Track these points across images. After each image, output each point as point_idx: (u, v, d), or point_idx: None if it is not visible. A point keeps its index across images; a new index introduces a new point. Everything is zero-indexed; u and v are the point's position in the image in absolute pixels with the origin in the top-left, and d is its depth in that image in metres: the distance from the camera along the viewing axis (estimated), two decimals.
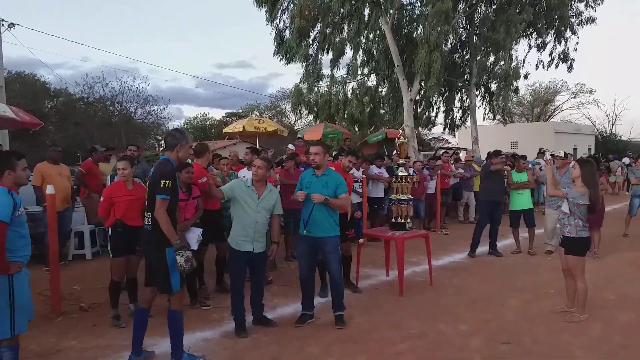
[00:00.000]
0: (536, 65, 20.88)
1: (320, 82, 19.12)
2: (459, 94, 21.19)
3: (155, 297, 3.98)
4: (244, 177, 5.70)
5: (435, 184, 10.72)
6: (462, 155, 15.99)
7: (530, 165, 9.75)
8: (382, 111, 20.78)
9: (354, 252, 6.18)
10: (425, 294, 5.94)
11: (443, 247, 8.61)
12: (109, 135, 23.63)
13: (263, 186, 4.68)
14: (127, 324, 4.65)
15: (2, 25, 13.15)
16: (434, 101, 20.62)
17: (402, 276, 5.84)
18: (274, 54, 17.79)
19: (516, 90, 20.79)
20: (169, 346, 3.91)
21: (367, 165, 9.37)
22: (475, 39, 18.89)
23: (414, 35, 17.77)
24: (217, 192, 4.75)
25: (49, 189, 5.43)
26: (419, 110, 20.36)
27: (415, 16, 18.15)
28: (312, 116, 21.94)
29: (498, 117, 27.67)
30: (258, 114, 33.59)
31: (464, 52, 20.15)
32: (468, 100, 20.39)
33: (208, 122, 40.58)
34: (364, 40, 18.38)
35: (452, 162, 12.29)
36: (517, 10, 16.90)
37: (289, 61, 17.62)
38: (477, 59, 19.13)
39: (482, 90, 20.91)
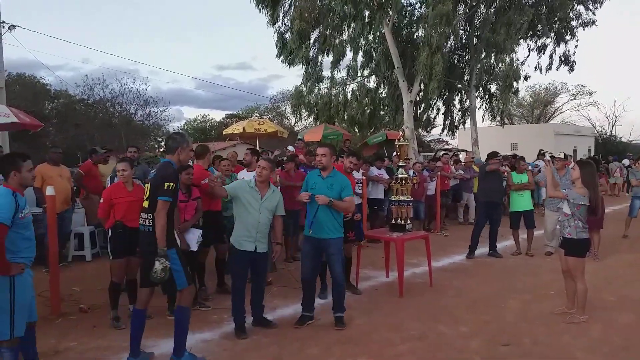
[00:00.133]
0: (535, 67, 21.07)
1: (321, 84, 19.18)
2: (459, 95, 21.22)
3: (151, 298, 3.97)
4: (243, 178, 5.72)
5: (435, 186, 10.72)
6: (462, 156, 15.98)
7: (529, 167, 9.77)
8: (382, 112, 20.81)
9: (353, 253, 6.18)
10: (425, 295, 5.94)
11: (443, 248, 8.61)
12: (109, 136, 23.60)
13: (266, 187, 4.69)
14: (126, 326, 4.63)
15: (3, 27, 13.13)
16: (433, 103, 20.64)
17: (402, 277, 5.85)
18: (276, 57, 17.92)
19: (516, 92, 20.82)
20: (168, 347, 3.91)
21: (367, 167, 9.36)
22: (475, 40, 18.91)
23: (414, 37, 17.81)
24: (221, 190, 4.76)
25: (49, 191, 5.43)
26: (418, 111, 20.38)
27: (415, 18, 18.20)
28: (312, 118, 21.96)
29: (497, 118, 27.65)
30: (258, 115, 33.57)
31: (464, 54, 20.18)
32: (468, 102, 20.42)
33: (208, 124, 40.56)
34: (364, 42, 18.41)
35: (452, 163, 12.29)
36: (518, 12, 16.93)
37: (290, 64, 17.67)
38: (477, 60, 19.15)
39: (482, 91, 20.93)
